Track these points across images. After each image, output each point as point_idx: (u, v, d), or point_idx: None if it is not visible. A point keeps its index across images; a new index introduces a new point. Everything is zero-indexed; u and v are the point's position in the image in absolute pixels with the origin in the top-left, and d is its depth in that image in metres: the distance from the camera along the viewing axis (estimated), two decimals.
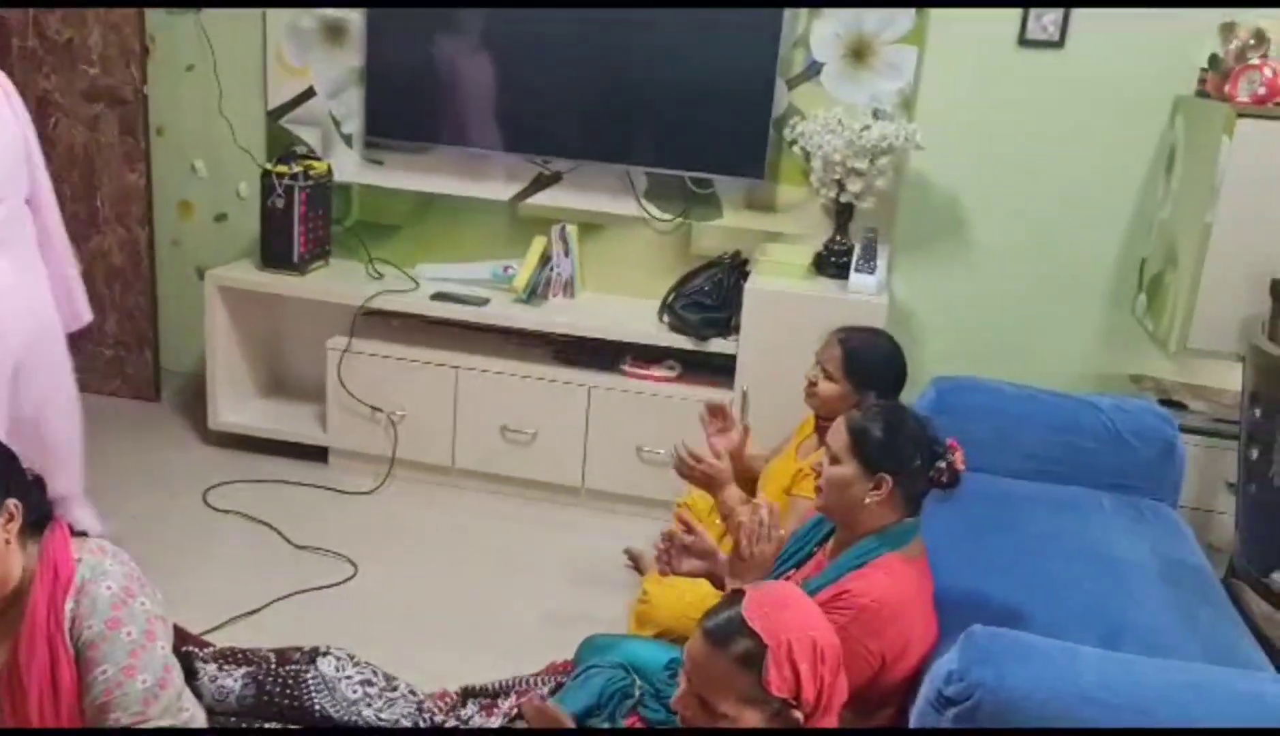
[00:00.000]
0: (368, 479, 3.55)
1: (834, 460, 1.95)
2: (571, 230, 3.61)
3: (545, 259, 3.59)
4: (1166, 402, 3.13)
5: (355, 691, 2.19)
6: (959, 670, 1.56)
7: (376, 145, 3.76)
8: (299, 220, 3.52)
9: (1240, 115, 2.84)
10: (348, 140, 3.80)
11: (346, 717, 2.15)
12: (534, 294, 3.56)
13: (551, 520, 3.43)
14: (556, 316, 3.50)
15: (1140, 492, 2.51)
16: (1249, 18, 3.02)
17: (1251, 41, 2.98)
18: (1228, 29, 3.04)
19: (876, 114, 3.32)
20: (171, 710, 1.69)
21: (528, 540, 3.30)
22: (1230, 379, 3.06)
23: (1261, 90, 2.89)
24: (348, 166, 3.80)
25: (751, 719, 1.49)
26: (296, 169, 3.52)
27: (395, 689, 2.25)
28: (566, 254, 3.60)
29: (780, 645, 1.48)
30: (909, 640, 1.83)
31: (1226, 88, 2.96)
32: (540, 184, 3.70)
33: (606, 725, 2.07)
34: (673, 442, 3.02)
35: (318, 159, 3.70)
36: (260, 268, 3.61)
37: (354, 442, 3.60)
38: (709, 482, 2.54)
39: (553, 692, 2.28)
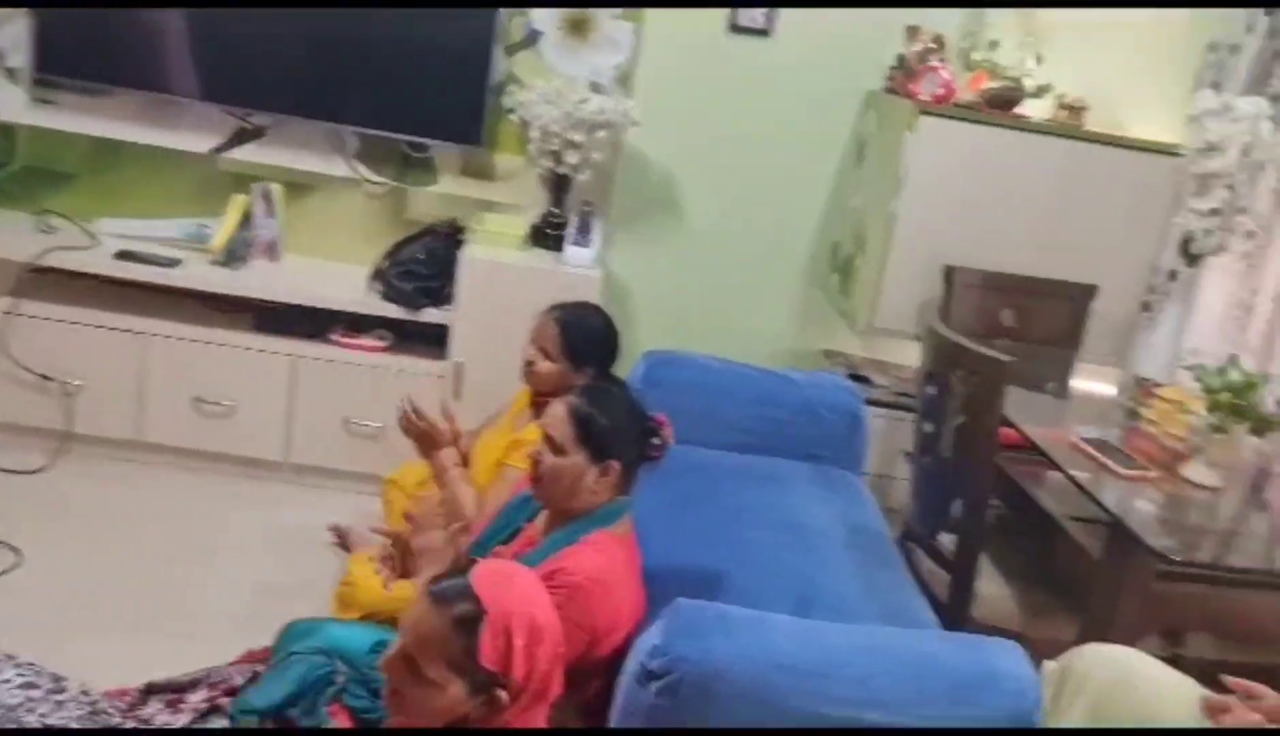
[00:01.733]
0: (35, 455, 3.20)
1: (558, 450, 1.93)
2: (276, 189, 3.39)
3: (246, 219, 3.36)
4: (855, 377, 3.36)
5: (15, 696, 1.96)
6: (663, 644, 1.59)
7: (47, 83, 3.36)
8: None
9: (922, 112, 3.07)
10: (12, 75, 3.37)
11: (5, 725, 1.92)
12: (233, 256, 3.32)
13: (251, 496, 3.24)
14: (258, 281, 3.28)
15: (831, 462, 2.69)
16: (930, 23, 3.27)
17: (932, 45, 3.23)
18: (912, 32, 3.28)
19: (595, 87, 3.34)
20: None
21: (225, 519, 3.09)
22: (912, 355, 3.33)
23: (940, 91, 3.15)
24: (12, 104, 3.37)
25: (456, 690, 1.47)
26: None
27: (64, 690, 2.03)
28: (270, 214, 3.39)
29: (500, 614, 1.47)
30: (620, 615, 1.86)
31: (911, 86, 3.20)
32: (241, 138, 3.45)
33: (307, 716, 1.97)
34: (382, 413, 2.92)
35: None
36: None
37: (18, 415, 3.23)
38: (428, 440, 2.51)
39: (249, 684, 2.15)
